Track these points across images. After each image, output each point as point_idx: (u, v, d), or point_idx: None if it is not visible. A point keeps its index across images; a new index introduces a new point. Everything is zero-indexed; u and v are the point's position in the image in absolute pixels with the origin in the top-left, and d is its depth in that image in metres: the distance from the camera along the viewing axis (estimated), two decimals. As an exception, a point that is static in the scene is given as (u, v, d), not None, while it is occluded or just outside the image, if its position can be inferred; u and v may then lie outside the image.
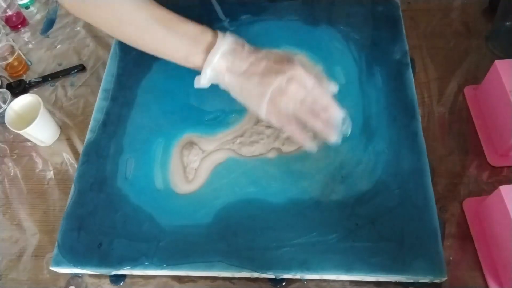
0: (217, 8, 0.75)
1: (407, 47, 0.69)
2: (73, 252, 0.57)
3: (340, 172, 0.59)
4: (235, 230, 0.56)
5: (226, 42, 0.54)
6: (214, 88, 0.68)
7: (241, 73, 0.54)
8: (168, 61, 0.72)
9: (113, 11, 0.54)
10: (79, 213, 0.60)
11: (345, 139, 0.61)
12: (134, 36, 0.57)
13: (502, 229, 0.51)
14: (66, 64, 0.79)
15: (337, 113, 0.54)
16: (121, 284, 0.58)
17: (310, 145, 0.55)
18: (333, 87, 0.55)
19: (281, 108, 0.53)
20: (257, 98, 0.53)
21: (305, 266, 0.53)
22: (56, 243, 0.58)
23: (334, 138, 0.54)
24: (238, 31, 0.73)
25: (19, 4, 0.87)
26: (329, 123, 0.54)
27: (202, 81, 0.55)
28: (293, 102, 0.53)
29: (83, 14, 0.57)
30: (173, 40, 0.55)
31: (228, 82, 0.55)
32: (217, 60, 0.53)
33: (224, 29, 0.57)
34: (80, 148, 0.68)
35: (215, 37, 0.54)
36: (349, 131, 0.56)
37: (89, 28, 0.83)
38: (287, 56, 0.54)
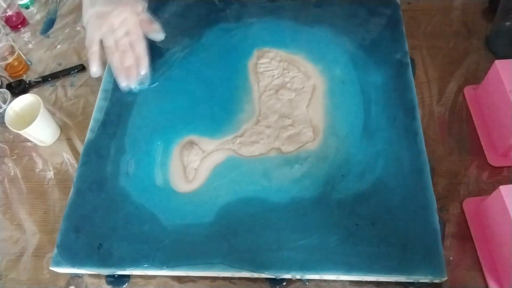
0: None
1: (407, 47, 0.69)
2: (73, 253, 0.57)
3: (340, 171, 0.59)
4: (236, 230, 0.56)
5: None
6: (214, 88, 0.69)
7: (93, 13, 0.66)
8: (168, 62, 0.72)
9: None
10: (79, 213, 0.60)
11: (345, 139, 0.61)
12: None
13: (502, 229, 0.51)
14: (66, 64, 0.79)
15: (141, 63, 0.68)
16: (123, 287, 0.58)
17: (93, 70, 0.67)
18: (158, 35, 0.69)
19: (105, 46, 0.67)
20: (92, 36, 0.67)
21: (305, 267, 0.53)
22: (56, 244, 0.58)
23: (123, 84, 0.68)
24: (238, 31, 0.74)
25: (19, 4, 0.87)
26: (131, 69, 0.67)
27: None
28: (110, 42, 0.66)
29: None
30: None
31: (85, 17, 0.68)
32: None
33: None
34: (80, 148, 0.68)
35: None
36: (147, 82, 0.69)
37: (89, 28, 0.83)
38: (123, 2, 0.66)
